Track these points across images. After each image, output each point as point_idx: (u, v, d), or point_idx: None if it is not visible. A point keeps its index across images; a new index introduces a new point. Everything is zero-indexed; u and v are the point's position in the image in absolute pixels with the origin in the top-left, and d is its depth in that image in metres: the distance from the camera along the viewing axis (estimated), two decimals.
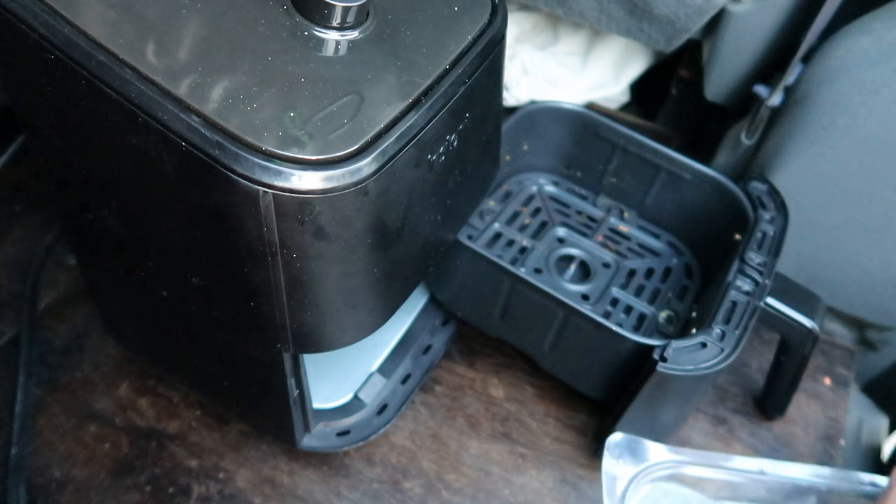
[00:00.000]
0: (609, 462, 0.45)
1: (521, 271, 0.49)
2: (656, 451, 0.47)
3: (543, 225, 0.61)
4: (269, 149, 0.30)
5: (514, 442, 0.55)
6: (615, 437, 0.46)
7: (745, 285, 0.49)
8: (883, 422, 0.66)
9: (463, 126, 0.40)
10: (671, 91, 0.73)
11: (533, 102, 0.62)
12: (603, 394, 0.52)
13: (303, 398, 0.46)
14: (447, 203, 0.44)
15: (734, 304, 0.48)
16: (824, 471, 0.47)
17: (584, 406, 0.57)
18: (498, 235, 0.58)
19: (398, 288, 0.42)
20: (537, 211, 0.62)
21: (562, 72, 0.69)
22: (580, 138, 0.62)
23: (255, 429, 0.54)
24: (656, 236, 0.61)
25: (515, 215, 0.61)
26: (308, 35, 0.34)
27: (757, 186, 0.55)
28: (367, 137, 0.32)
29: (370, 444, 0.53)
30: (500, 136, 0.50)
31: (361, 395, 0.54)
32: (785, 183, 0.56)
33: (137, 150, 0.33)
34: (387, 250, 0.37)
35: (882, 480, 0.46)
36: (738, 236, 0.55)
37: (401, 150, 0.34)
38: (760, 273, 0.50)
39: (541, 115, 0.61)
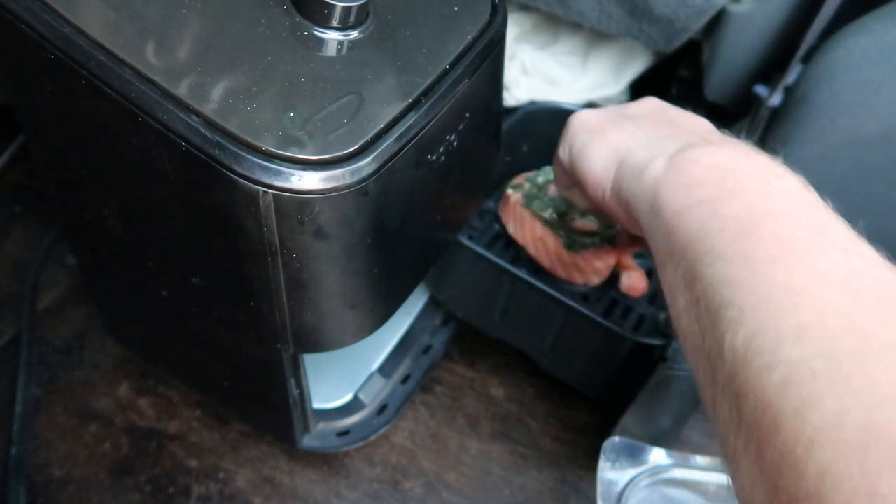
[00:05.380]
0: (605, 466, 0.46)
1: (522, 271, 0.49)
2: (653, 454, 0.47)
3: None
4: (269, 149, 0.30)
5: (514, 442, 0.55)
6: (611, 441, 0.46)
7: None
8: None
9: (463, 126, 0.40)
10: (671, 91, 0.73)
11: (533, 102, 0.62)
12: (603, 394, 0.52)
13: (303, 398, 0.46)
14: (447, 203, 0.44)
15: None
16: None
17: (584, 406, 0.57)
18: (498, 236, 0.58)
19: (398, 288, 0.42)
20: None
21: (562, 72, 0.69)
22: None
23: (255, 429, 0.54)
24: None
25: None
26: (308, 35, 0.34)
27: None
28: (367, 137, 0.32)
29: (370, 444, 0.53)
30: (501, 137, 0.50)
31: (361, 395, 0.54)
32: None
33: (137, 149, 0.33)
34: (387, 250, 0.37)
35: None
36: None
37: (401, 150, 0.34)
38: None
39: (541, 116, 0.61)
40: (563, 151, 0.42)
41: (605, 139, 0.38)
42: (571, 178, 0.42)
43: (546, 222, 0.52)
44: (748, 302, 0.26)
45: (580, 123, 0.41)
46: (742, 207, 0.29)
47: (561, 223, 0.52)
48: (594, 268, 0.51)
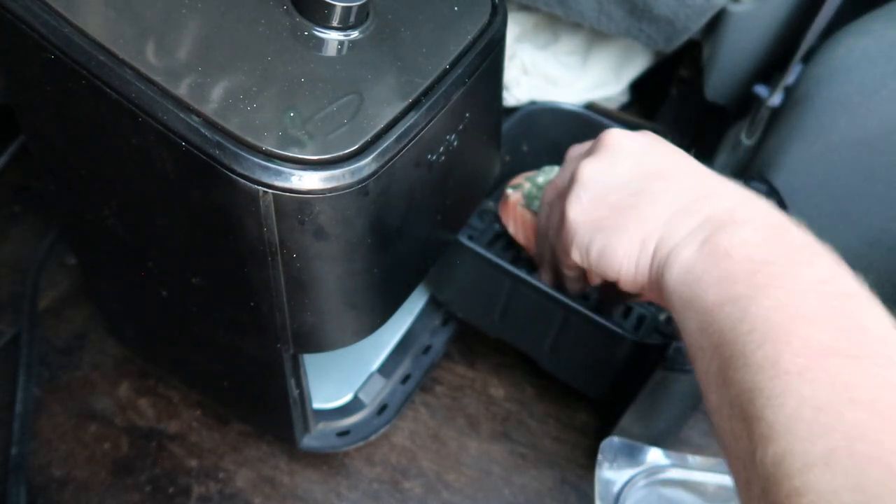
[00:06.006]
0: (603, 466, 0.46)
1: (522, 272, 0.49)
2: (651, 454, 0.47)
3: None
4: (269, 149, 0.30)
5: (514, 442, 0.55)
6: (609, 441, 0.46)
7: None
8: None
9: (463, 126, 0.40)
10: (671, 91, 0.73)
11: (533, 102, 0.62)
12: (603, 394, 0.52)
13: (303, 398, 0.46)
14: (447, 203, 0.44)
15: None
16: None
17: (584, 406, 0.57)
18: (498, 236, 0.58)
19: (398, 288, 0.42)
20: None
21: (562, 72, 0.69)
22: (580, 139, 0.61)
23: (255, 429, 0.54)
24: None
25: None
26: (308, 35, 0.34)
27: (757, 187, 0.55)
28: (367, 137, 0.33)
29: (370, 444, 0.53)
30: (501, 136, 0.50)
31: (361, 395, 0.54)
32: (785, 183, 0.56)
33: (137, 149, 0.33)
34: (387, 250, 0.37)
35: None
36: None
37: (401, 150, 0.34)
38: None
39: (541, 116, 0.61)
40: (577, 256, 0.40)
41: (625, 233, 0.37)
42: (597, 274, 0.40)
43: None
44: (777, 419, 0.26)
45: (583, 220, 0.39)
46: (771, 307, 0.29)
47: None
48: None
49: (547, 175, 0.57)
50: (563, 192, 0.42)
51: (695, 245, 0.33)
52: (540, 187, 0.55)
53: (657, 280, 0.36)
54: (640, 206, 0.37)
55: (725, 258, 0.31)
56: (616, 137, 0.40)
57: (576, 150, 0.46)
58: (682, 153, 0.39)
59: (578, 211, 0.39)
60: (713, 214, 0.34)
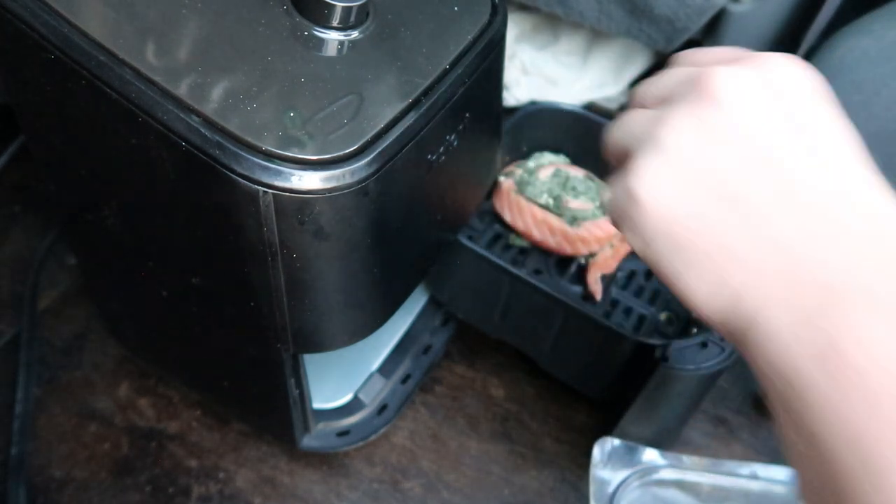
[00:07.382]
0: (598, 466, 0.45)
1: (522, 272, 0.49)
2: (647, 454, 0.47)
3: None
4: (269, 149, 0.30)
5: (514, 442, 0.55)
6: (604, 441, 0.46)
7: None
8: None
9: (463, 126, 0.40)
10: None
11: (533, 103, 0.62)
12: (603, 394, 0.52)
13: (303, 398, 0.46)
14: (447, 203, 0.44)
15: None
16: None
17: (584, 406, 0.57)
18: (498, 236, 0.58)
19: (398, 288, 0.42)
20: None
21: (562, 72, 0.69)
22: (580, 139, 0.62)
23: (255, 429, 0.54)
24: None
25: None
26: (308, 35, 0.34)
27: None
28: (367, 137, 0.33)
29: (370, 444, 0.53)
30: (501, 137, 0.50)
31: (361, 395, 0.54)
32: None
33: (137, 150, 0.33)
34: (387, 250, 0.37)
35: None
36: None
37: (401, 150, 0.34)
38: None
39: (541, 116, 0.61)
40: (635, 246, 0.29)
41: (704, 263, 0.27)
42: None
43: (542, 206, 0.54)
44: None
45: (653, 209, 0.27)
46: None
47: (557, 206, 0.54)
48: (596, 237, 0.53)
49: (538, 160, 0.58)
50: (653, 119, 0.29)
51: (792, 317, 0.24)
52: (531, 172, 0.56)
53: (739, 335, 0.27)
54: (734, 231, 0.26)
55: (834, 359, 0.22)
56: (728, 85, 0.27)
57: (701, 57, 0.31)
58: (829, 123, 0.28)
59: (648, 190, 0.27)
60: (827, 279, 0.24)
